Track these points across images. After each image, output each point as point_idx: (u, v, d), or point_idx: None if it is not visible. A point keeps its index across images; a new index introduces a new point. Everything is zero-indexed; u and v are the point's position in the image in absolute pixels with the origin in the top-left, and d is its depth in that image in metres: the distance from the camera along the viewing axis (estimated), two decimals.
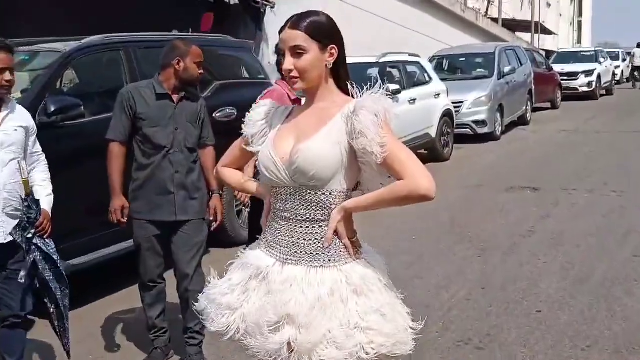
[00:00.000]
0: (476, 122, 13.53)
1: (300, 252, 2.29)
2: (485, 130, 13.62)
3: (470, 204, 8.48)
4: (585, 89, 22.17)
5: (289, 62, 2.27)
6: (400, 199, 2.18)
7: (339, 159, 2.23)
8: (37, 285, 3.64)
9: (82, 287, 5.20)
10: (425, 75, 11.91)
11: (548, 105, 19.87)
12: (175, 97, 4.19)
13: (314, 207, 2.28)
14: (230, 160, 2.60)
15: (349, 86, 2.32)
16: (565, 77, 21.59)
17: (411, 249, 6.61)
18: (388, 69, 10.88)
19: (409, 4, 19.54)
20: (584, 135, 14.46)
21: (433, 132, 11.47)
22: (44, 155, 3.84)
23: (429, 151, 11.79)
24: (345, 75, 2.35)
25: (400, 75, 11.12)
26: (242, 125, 2.48)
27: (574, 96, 21.61)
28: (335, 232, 2.28)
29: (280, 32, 2.37)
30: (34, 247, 3.54)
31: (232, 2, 12.23)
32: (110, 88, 5.40)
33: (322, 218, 2.28)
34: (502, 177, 10.08)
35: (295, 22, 2.29)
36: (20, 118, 3.64)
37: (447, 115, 11.99)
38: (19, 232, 3.50)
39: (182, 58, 4.17)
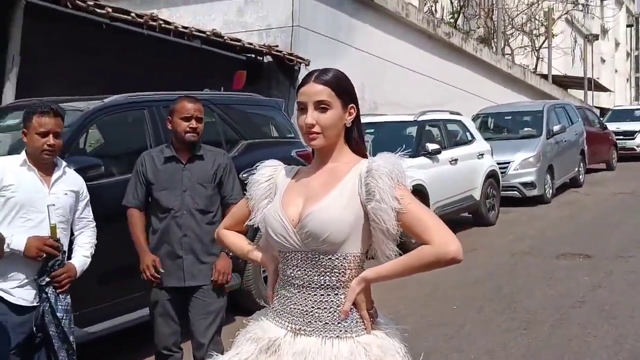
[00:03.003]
0: (524, 184, 13.39)
1: (314, 321, 2.25)
2: (534, 192, 13.46)
3: (516, 272, 8.31)
4: None
5: (311, 117, 2.28)
6: (428, 264, 2.17)
7: (352, 221, 2.22)
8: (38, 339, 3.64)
9: (96, 357, 5.23)
10: (468, 134, 11.88)
11: (603, 166, 19.61)
12: (183, 158, 4.25)
13: (328, 273, 2.25)
14: (232, 222, 2.60)
15: (362, 146, 2.34)
16: (621, 137, 21.34)
17: (452, 320, 6.47)
18: (427, 128, 10.91)
19: (453, 62, 19.69)
20: None
21: (477, 195, 11.38)
22: (95, 223, 4.00)
23: (473, 215, 11.70)
24: (359, 136, 2.36)
25: (440, 134, 11.12)
26: (246, 187, 2.49)
27: (630, 156, 21.29)
28: (353, 303, 2.24)
29: (301, 86, 2.38)
30: (44, 296, 3.58)
31: (265, 60, 12.47)
32: (134, 148, 5.50)
33: (336, 284, 2.25)
34: (552, 243, 9.90)
35: (319, 76, 2.32)
36: (72, 182, 3.83)
37: (492, 176, 11.90)
38: (36, 279, 3.59)
39: (171, 116, 4.28)
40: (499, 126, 15.65)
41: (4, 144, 5.60)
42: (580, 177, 16.38)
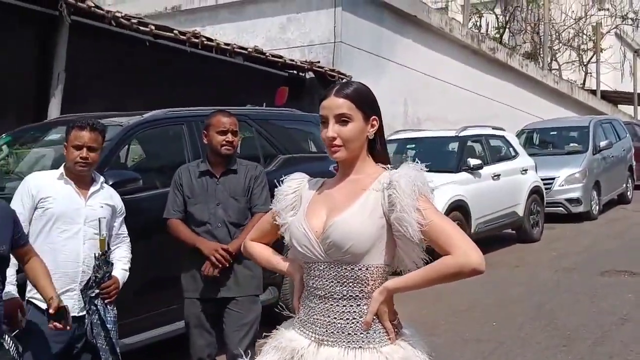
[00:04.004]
0: (570, 200, 13.21)
1: (337, 332, 2.27)
2: (580, 209, 13.25)
3: (559, 289, 8.19)
4: None
5: (332, 130, 2.33)
6: (451, 275, 2.18)
7: (375, 232, 2.24)
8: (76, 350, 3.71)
9: None
10: (511, 149, 11.77)
11: None
12: (218, 172, 4.32)
13: (350, 284, 2.27)
14: (258, 234, 2.63)
15: (385, 158, 2.36)
16: None
17: (490, 336, 6.40)
18: (469, 143, 10.84)
19: (498, 77, 19.57)
20: None
21: (520, 211, 11.24)
22: (129, 238, 4.12)
23: (516, 231, 11.57)
24: (382, 147, 2.39)
25: (482, 150, 11.04)
26: (273, 199, 2.53)
27: None
28: (376, 314, 2.26)
29: (322, 100, 2.42)
30: (94, 308, 3.66)
31: (307, 76, 12.57)
32: (173, 162, 5.60)
33: (359, 295, 2.27)
34: (598, 260, 9.71)
35: (340, 89, 2.36)
36: (109, 197, 3.95)
37: (536, 192, 11.75)
38: (84, 290, 3.68)
39: (207, 130, 4.35)
40: (544, 142, 15.47)
41: (48, 158, 5.76)
42: (629, 193, 16.07)
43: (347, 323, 2.27)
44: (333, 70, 12.82)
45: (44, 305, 3.59)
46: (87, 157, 3.72)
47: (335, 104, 2.33)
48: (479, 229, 10.19)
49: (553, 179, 13.16)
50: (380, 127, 2.40)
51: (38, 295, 3.60)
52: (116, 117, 5.91)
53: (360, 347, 2.25)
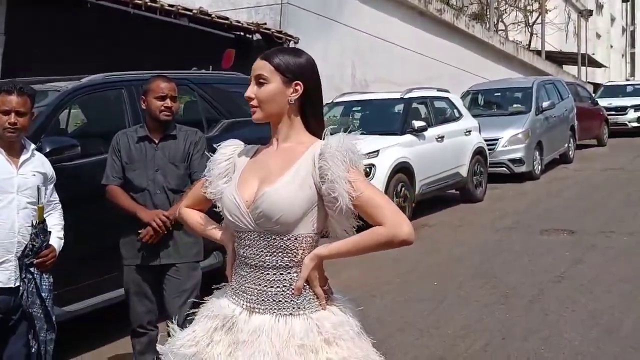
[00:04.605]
0: (513, 161, 13.39)
1: (268, 300, 2.28)
2: (523, 169, 13.47)
3: (499, 248, 8.37)
4: (635, 124, 21.69)
5: (250, 90, 2.34)
6: (381, 244, 2.20)
7: (305, 203, 2.24)
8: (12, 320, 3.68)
9: (75, 338, 5.27)
10: (455, 111, 11.86)
11: (594, 142, 19.61)
12: (156, 138, 4.27)
13: (279, 253, 2.28)
14: (193, 201, 2.60)
15: (319, 127, 2.36)
16: (613, 112, 21.27)
17: (431, 296, 6.53)
18: (414, 105, 10.88)
19: (445, 38, 19.65)
20: (631, 174, 14.17)
21: (464, 172, 11.39)
22: (61, 205, 4.01)
23: (460, 192, 11.72)
24: (313, 115, 2.37)
25: (427, 112, 11.10)
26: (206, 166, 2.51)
27: (622, 132, 21.25)
28: (306, 281, 2.28)
29: None
30: (29, 276, 3.61)
31: (254, 38, 12.44)
32: (112, 128, 5.50)
33: (289, 264, 2.28)
34: (538, 220, 9.94)
35: (267, 53, 2.37)
36: (40, 164, 3.83)
37: (479, 153, 11.89)
38: (21, 259, 3.61)
39: (146, 96, 4.29)
40: (488, 103, 15.59)
41: None
42: (570, 153, 16.39)
43: (278, 291, 2.28)
44: (280, 32, 12.72)
45: None
46: (15, 122, 3.60)
47: (257, 65, 2.35)
48: (423, 190, 10.30)
49: (497, 139, 13.29)
50: (311, 94, 2.37)
51: None
52: (54, 81, 5.78)
53: (290, 313, 2.26)
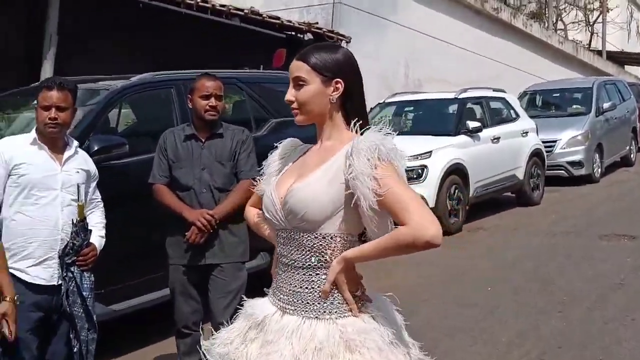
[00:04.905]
0: (571, 163, 13.07)
1: (298, 300, 2.24)
2: (582, 172, 13.12)
3: (556, 253, 8.13)
4: None
5: (289, 93, 2.29)
6: (404, 246, 2.09)
7: (333, 200, 2.17)
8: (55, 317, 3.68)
9: (119, 337, 5.28)
10: (512, 111, 11.62)
11: None
12: (203, 137, 4.24)
13: (308, 252, 2.22)
14: (254, 200, 2.60)
15: (353, 124, 2.27)
16: None
17: (484, 301, 6.36)
18: (468, 105, 10.70)
19: (501, 37, 19.32)
20: None
21: (520, 174, 11.14)
22: (102, 203, 4.02)
23: (516, 194, 11.50)
24: (353, 112, 2.29)
25: (482, 112, 10.90)
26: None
27: None
28: (335, 284, 2.19)
29: None
30: (70, 275, 3.60)
31: (305, 38, 12.40)
32: (161, 126, 5.50)
33: (317, 265, 2.22)
34: (597, 224, 9.64)
35: (302, 53, 2.30)
36: (83, 161, 3.84)
37: (537, 155, 11.62)
38: (61, 257, 3.61)
39: (192, 94, 4.28)
40: (546, 103, 15.27)
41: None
42: (632, 155, 15.90)
43: (307, 292, 2.22)
44: (332, 32, 12.65)
45: (21, 275, 3.55)
46: (56, 117, 3.59)
47: (294, 67, 2.28)
48: (478, 193, 10.13)
49: (555, 141, 13.00)
50: (352, 90, 2.28)
51: (16, 265, 3.54)
52: (105, 80, 5.82)
53: (316, 317, 2.20)
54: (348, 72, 2.28)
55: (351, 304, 2.20)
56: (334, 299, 2.20)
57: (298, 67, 2.26)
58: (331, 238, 2.20)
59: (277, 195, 2.27)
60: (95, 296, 4.08)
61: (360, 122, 2.26)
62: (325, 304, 2.20)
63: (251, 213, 2.61)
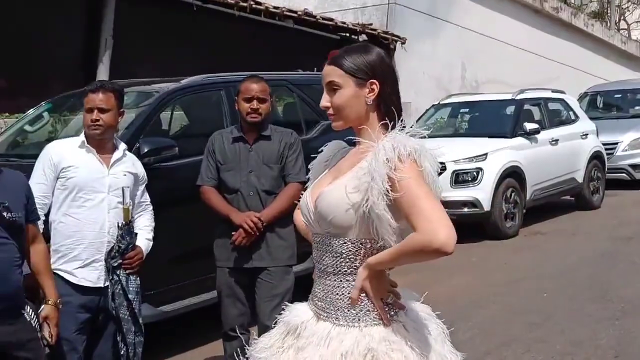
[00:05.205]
0: (634, 166, 12.75)
1: (330, 306, 2.21)
2: None
3: (616, 259, 7.89)
4: None
5: (324, 99, 2.25)
6: (415, 253, 2.03)
7: (359, 205, 2.10)
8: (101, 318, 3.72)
9: (166, 339, 5.32)
10: (571, 113, 11.37)
11: None
12: (250, 139, 4.23)
13: (338, 258, 2.19)
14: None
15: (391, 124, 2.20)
16: None
17: (539, 308, 6.20)
18: (526, 107, 10.49)
19: (561, 37, 18.95)
20: None
21: (580, 177, 10.89)
22: (152, 206, 4.04)
23: (575, 198, 11.24)
24: (390, 113, 2.22)
25: (540, 114, 10.68)
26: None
27: None
28: (363, 290, 2.14)
29: None
30: (116, 278, 3.64)
31: (360, 39, 12.35)
32: (212, 129, 5.52)
33: (348, 271, 2.18)
34: None
35: (334, 57, 2.27)
36: (131, 164, 3.88)
37: (597, 157, 11.36)
38: (107, 260, 3.65)
39: (237, 97, 4.26)
40: (608, 105, 14.93)
41: None
42: None
43: (338, 298, 2.19)
44: (387, 33, 12.60)
45: (69, 277, 3.59)
46: (97, 118, 3.63)
47: (327, 72, 2.25)
48: (535, 196, 9.94)
49: (616, 143, 12.72)
50: (387, 90, 2.22)
51: (63, 267, 3.59)
52: (156, 83, 5.88)
53: (346, 324, 2.16)
54: (382, 73, 2.22)
55: (381, 311, 2.15)
56: (363, 306, 2.16)
57: (331, 72, 2.23)
58: (360, 244, 2.15)
59: (311, 200, 2.24)
60: (145, 297, 4.15)
61: (395, 123, 2.19)
62: (354, 311, 2.16)
63: (300, 217, 2.56)
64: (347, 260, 2.17)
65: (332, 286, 2.20)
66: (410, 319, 2.19)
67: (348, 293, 2.17)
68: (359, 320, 2.15)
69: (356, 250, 2.16)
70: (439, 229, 1.96)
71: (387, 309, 2.16)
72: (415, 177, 2.05)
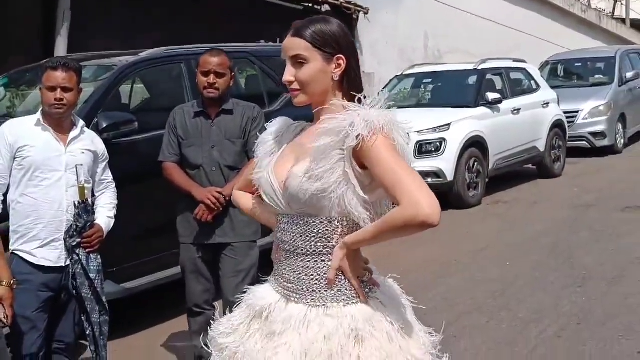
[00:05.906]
0: (594, 134, 12.91)
1: (303, 288, 2.14)
2: (605, 142, 12.96)
3: (577, 227, 8.00)
4: None
5: (288, 73, 2.15)
6: (399, 228, 1.97)
7: (334, 183, 2.05)
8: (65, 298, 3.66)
9: (131, 315, 5.27)
10: (532, 82, 11.44)
11: None
12: (212, 113, 4.15)
13: (313, 238, 2.12)
14: (245, 183, 2.50)
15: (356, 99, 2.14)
16: None
17: (502, 277, 6.27)
18: (488, 77, 10.52)
19: (522, 6, 19.00)
20: None
21: (541, 146, 10.98)
22: (114, 184, 3.93)
23: (537, 166, 11.35)
24: (352, 88, 2.16)
25: (502, 83, 10.72)
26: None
27: None
28: (340, 270, 2.10)
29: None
30: (76, 257, 3.56)
31: (323, 10, 12.25)
32: (173, 103, 5.43)
33: (323, 251, 2.12)
34: (619, 196, 9.48)
35: (297, 29, 2.16)
36: (89, 142, 3.75)
37: (558, 126, 11.46)
38: (65, 239, 3.56)
39: (197, 70, 4.17)
40: (568, 73, 15.03)
41: None
42: None
43: (312, 280, 2.13)
44: (349, 3, 12.49)
45: (28, 257, 3.51)
46: (62, 98, 3.52)
47: (290, 44, 2.14)
48: (498, 165, 10.01)
49: (577, 112, 12.84)
50: (351, 65, 2.16)
51: (23, 247, 3.51)
52: (114, 56, 5.74)
53: (323, 305, 2.10)
54: (347, 47, 2.16)
55: (359, 290, 2.11)
56: (341, 285, 2.11)
57: (296, 45, 2.12)
58: (338, 222, 2.10)
59: (276, 180, 2.17)
60: (107, 275, 4.08)
61: (360, 97, 2.14)
62: (332, 292, 2.11)
63: (243, 199, 2.49)
64: (323, 239, 2.11)
65: (304, 267, 2.13)
66: (384, 294, 2.16)
67: (324, 274, 2.11)
68: (337, 300, 2.10)
69: (333, 229, 2.10)
70: (423, 201, 1.91)
71: (364, 287, 2.13)
72: (390, 151, 2.00)
